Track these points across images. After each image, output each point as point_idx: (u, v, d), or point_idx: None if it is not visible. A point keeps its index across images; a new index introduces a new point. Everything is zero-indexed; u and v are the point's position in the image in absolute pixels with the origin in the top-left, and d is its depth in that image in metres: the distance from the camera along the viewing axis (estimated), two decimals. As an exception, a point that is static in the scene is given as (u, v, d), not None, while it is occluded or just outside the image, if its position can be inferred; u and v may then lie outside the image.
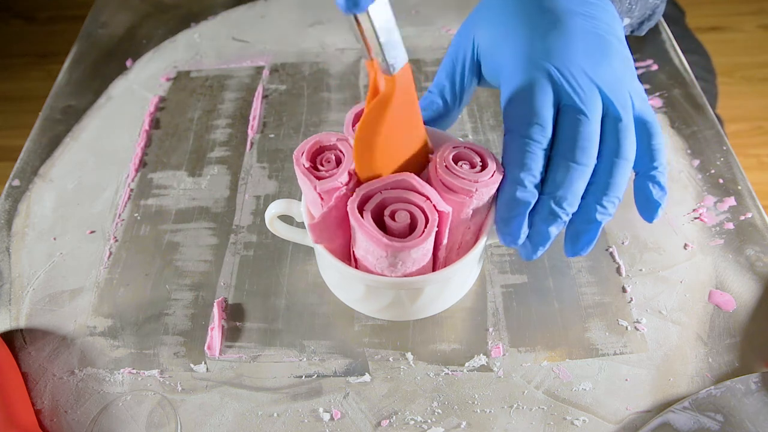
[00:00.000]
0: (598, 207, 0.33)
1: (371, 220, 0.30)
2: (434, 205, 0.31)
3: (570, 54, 0.32)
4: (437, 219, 0.31)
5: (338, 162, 0.32)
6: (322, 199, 0.32)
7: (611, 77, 0.33)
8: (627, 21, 0.39)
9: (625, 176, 0.33)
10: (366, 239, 0.30)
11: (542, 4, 0.34)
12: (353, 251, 0.34)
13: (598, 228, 0.34)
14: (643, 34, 0.43)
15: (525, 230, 0.33)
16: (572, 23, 0.33)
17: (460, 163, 0.32)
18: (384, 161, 0.32)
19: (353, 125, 0.33)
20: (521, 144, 0.31)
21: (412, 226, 0.31)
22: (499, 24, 0.34)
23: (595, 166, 0.32)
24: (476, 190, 0.31)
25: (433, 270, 0.34)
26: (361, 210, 0.31)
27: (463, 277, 0.37)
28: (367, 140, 0.30)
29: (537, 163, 0.31)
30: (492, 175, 0.32)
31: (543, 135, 0.31)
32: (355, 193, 0.31)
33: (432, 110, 0.36)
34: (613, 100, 0.32)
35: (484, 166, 0.32)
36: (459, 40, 0.36)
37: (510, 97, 0.33)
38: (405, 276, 0.33)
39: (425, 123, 0.34)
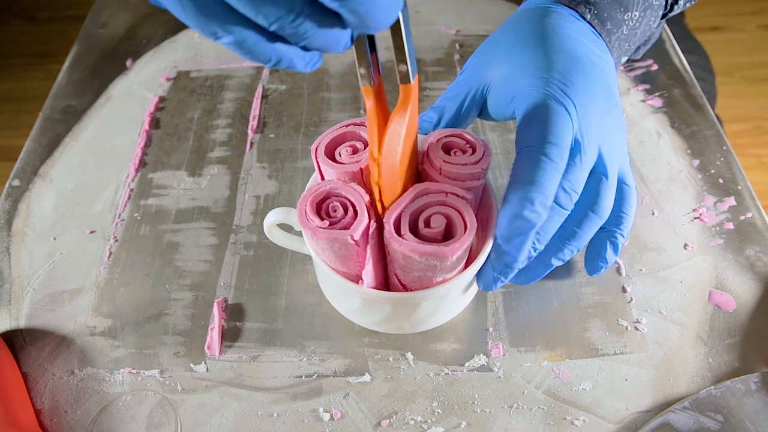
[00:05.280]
0: (558, 251, 0.33)
1: (415, 237, 0.30)
2: (457, 194, 0.30)
3: (589, 97, 0.32)
4: (469, 205, 0.30)
5: (345, 207, 0.31)
6: (358, 245, 0.30)
7: (610, 133, 0.33)
8: (625, 59, 0.39)
9: (592, 231, 0.33)
10: (417, 257, 0.29)
11: (558, 44, 0.33)
12: (394, 272, 0.33)
13: (547, 270, 0.35)
14: (639, 57, 0.43)
15: (526, 253, 0.31)
16: (590, 68, 0.33)
17: (453, 152, 0.32)
18: (404, 176, 0.31)
19: (326, 153, 0.32)
20: (535, 161, 0.30)
21: (447, 228, 0.31)
22: (516, 58, 0.34)
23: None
24: (481, 169, 0.31)
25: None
26: (399, 232, 0.30)
27: (459, 293, 0.36)
28: (392, 159, 0.29)
29: (549, 182, 0.30)
30: (484, 152, 0.32)
31: (559, 157, 0.30)
32: (385, 221, 0.30)
33: (423, 128, 0.37)
34: (605, 156, 0.32)
35: (473, 148, 0.32)
36: (470, 74, 0.36)
37: (528, 118, 0.31)
38: (445, 281, 0.32)
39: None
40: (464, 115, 0.36)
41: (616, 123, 0.34)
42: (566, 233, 0.33)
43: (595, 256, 0.35)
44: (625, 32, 0.37)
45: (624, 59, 0.39)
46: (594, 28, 0.35)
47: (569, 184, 0.31)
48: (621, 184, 0.34)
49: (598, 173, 0.33)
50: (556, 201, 0.31)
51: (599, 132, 0.32)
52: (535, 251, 0.32)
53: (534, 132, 0.31)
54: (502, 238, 0.30)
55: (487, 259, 0.33)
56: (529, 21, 0.35)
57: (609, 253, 0.35)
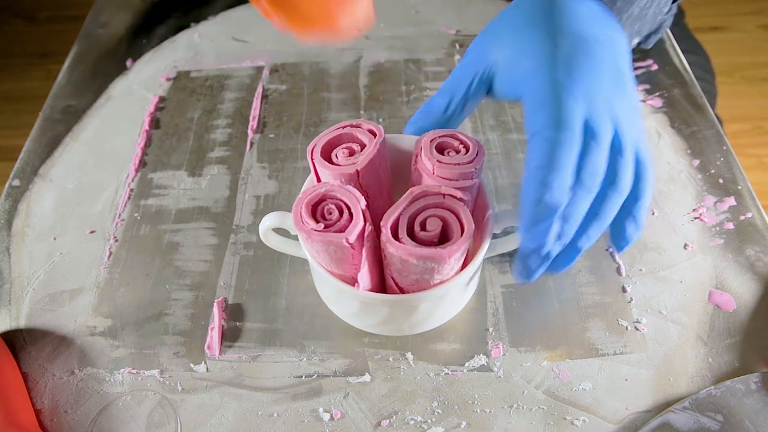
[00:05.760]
0: (584, 233, 0.33)
1: (412, 241, 0.30)
2: (454, 196, 0.30)
3: (597, 78, 0.32)
4: (465, 207, 0.30)
5: (340, 210, 0.31)
6: (353, 248, 0.30)
7: (623, 111, 0.33)
8: (636, 41, 0.39)
9: (614, 209, 0.33)
10: (415, 261, 0.29)
11: (565, 25, 0.33)
12: (391, 276, 0.33)
13: (577, 254, 0.34)
14: (650, 47, 0.42)
15: (553, 237, 0.31)
16: (598, 49, 0.33)
17: (446, 152, 0.32)
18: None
19: (321, 154, 0.32)
20: (550, 146, 0.30)
21: (443, 230, 0.31)
22: (520, 40, 0.34)
23: None
24: (475, 169, 0.31)
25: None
26: (396, 237, 0.30)
27: (457, 294, 0.36)
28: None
29: (564, 166, 0.30)
30: (478, 152, 0.32)
31: (572, 142, 0.30)
32: (382, 225, 0.30)
33: (434, 114, 0.36)
34: (621, 134, 0.32)
35: (466, 148, 0.32)
36: (474, 55, 0.36)
37: (534, 103, 0.31)
38: (442, 282, 0.32)
39: (427, 127, 0.34)
40: (473, 96, 0.35)
41: (629, 100, 0.33)
42: (589, 214, 0.32)
43: (619, 235, 0.35)
44: (635, 12, 0.36)
45: (635, 42, 0.38)
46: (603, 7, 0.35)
47: (591, 165, 0.31)
48: (637, 161, 0.34)
49: (614, 151, 0.32)
50: (581, 182, 0.31)
51: (611, 111, 0.32)
52: (568, 237, 0.32)
53: (542, 117, 0.31)
54: (527, 226, 0.30)
55: (518, 251, 0.33)
56: (536, 0, 0.35)
57: (631, 229, 0.34)
